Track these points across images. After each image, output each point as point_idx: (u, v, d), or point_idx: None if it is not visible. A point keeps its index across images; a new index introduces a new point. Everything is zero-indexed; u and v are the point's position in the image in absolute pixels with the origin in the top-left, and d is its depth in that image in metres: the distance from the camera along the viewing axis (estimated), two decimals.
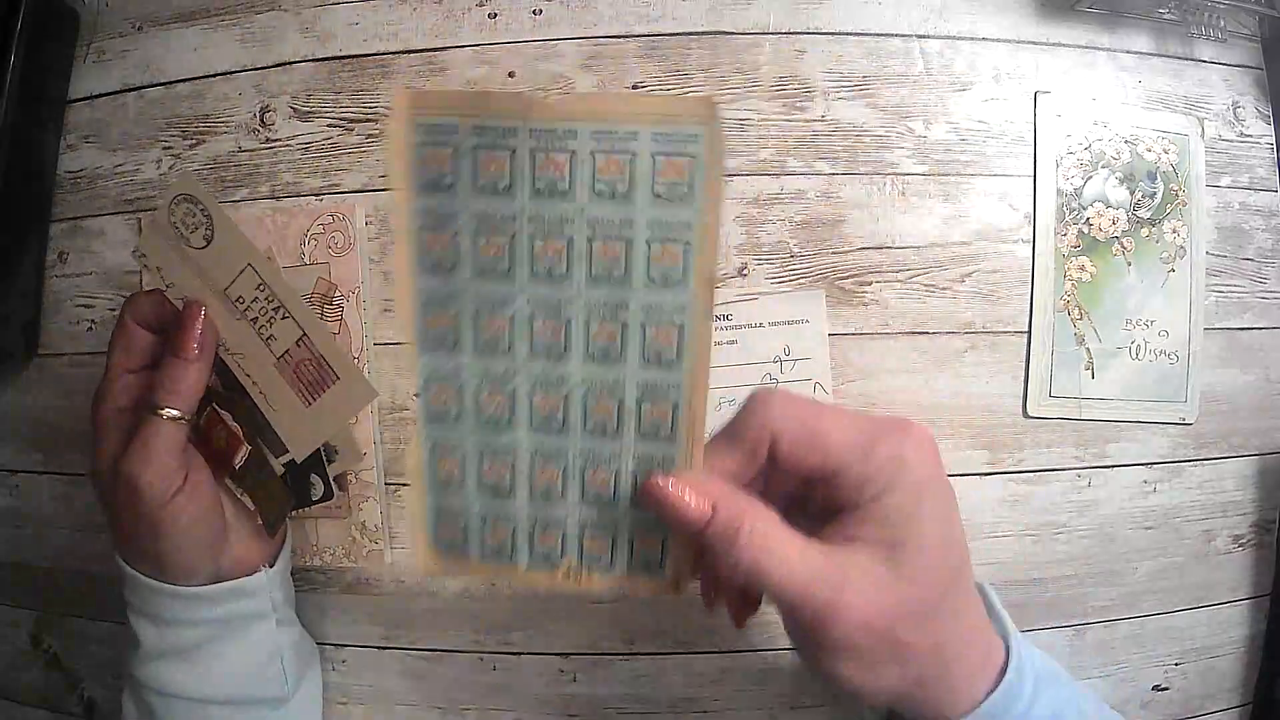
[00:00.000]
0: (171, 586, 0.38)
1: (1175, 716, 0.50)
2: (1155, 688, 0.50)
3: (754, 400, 0.31)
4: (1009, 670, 0.30)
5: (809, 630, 0.29)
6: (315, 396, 0.38)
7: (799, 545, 0.29)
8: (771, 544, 0.29)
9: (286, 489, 0.41)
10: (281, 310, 0.37)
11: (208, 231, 0.37)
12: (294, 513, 0.45)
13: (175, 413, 0.35)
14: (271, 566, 0.41)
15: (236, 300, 0.37)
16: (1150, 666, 0.50)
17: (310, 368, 0.37)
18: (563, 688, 0.49)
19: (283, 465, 0.40)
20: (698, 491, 0.30)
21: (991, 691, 0.29)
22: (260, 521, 0.41)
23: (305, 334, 0.37)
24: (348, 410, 0.40)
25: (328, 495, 0.44)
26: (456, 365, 0.31)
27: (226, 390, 0.39)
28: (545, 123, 0.28)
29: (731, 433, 0.31)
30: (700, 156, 0.28)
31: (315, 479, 0.44)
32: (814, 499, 0.31)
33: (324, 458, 0.44)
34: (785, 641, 0.48)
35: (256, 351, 0.38)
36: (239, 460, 0.40)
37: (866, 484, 0.29)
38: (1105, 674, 0.49)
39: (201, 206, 0.36)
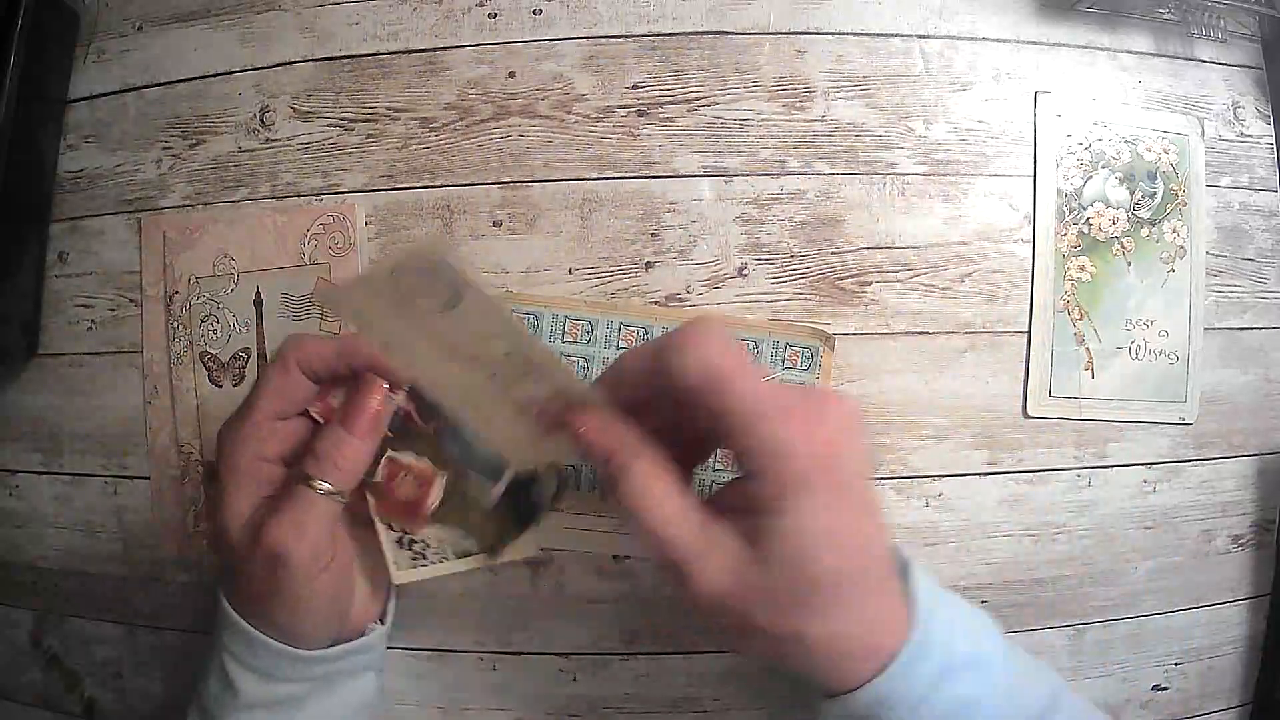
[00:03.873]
0: (294, 650, 0.36)
1: (1175, 716, 0.50)
2: (1155, 688, 0.50)
3: (690, 329, 0.30)
4: (898, 659, 0.29)
5: (674, 586, 0.30)
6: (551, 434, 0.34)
7: (679, 503, 0.30)
8: (651, 502, 0.30)
9: (505, 506, 0.38)
10: (534, 373, 0.33)
11: (452, 298, 0.32)
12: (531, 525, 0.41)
13: (330, 488, 0.33)
14: (383, 622, 0.40)
15: (471, 358, 0.33)
16: (1150, 666, 0.50)
17: (557, 414, 0.33)
18: (563, 688, 0.49)
19: (505, 485, 0.37)
20: (604, 429, 0.31)
21: (876, 676, 0.29)
22: (479, 550, 0.38)
23: (561, 391, 0.33)
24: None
25: (562, 488, 0.41)
26: None
27: (395, 431, 0.36)
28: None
29: (651, 351, 0.31)
30: None
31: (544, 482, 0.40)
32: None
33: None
34: None
35: (488, 400, 0.33)
36: (433, 500, 0.37)
37: (746, 458, 0.29)
38: (1105, 674, 0.49)
39: (450, 274, 0.32)
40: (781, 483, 0.28)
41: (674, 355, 0.29)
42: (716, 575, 0.29)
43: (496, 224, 0.48)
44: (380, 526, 0.37)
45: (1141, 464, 0.49)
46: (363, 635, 0.39)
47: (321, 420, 0.35)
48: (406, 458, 0.36)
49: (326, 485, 0.33)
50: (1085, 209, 0.49)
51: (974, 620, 0.33)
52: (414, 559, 0.38)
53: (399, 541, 0.38)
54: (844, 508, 0.29)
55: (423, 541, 0.38)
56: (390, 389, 0.35)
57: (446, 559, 0.38)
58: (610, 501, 0.33)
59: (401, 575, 0.38)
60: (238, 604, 0.36)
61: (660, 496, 0.30)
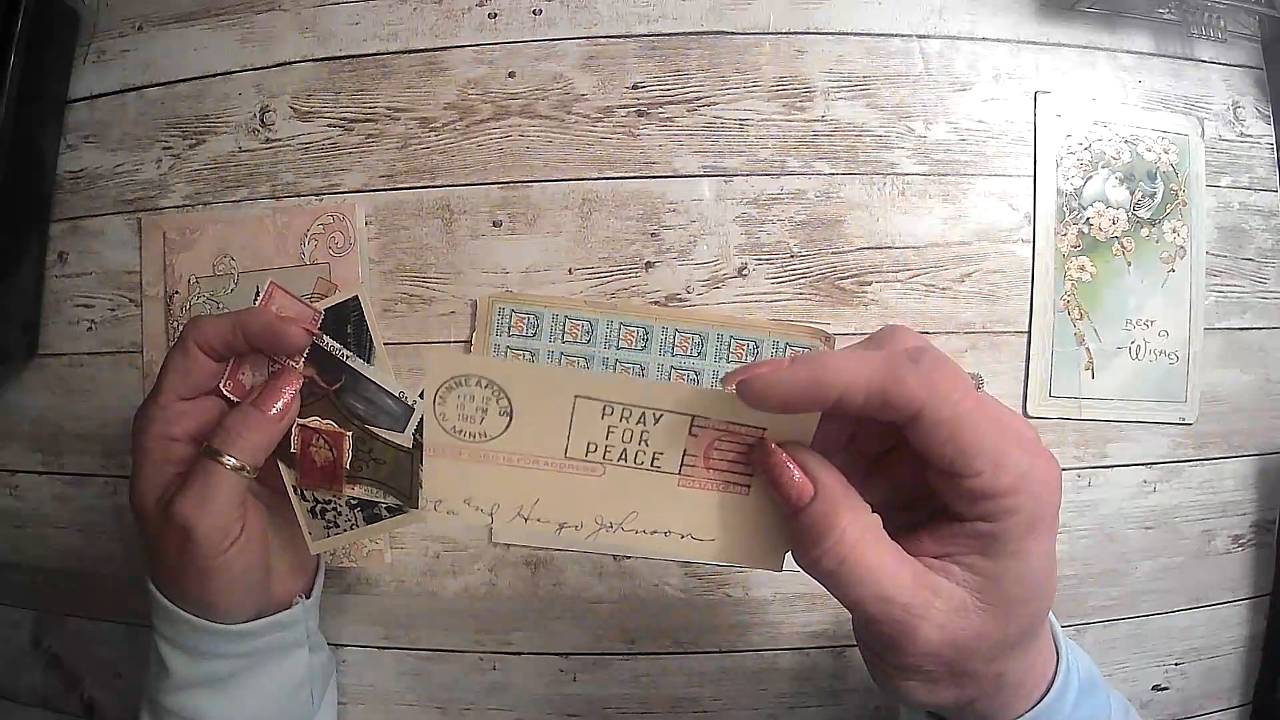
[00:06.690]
0: (213, 625, 0.36)
1: (1175, 716, 0.50)
2: (1155, 688, 0.50)
3: (922, 360, 0.25)
4: (1054, 685, 0.29)
5: (879, 647, 0.27)
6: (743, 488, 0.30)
7: (891, 559, 0.26)
8: (862, 555, 0.26)
9: (410, 448, 0.37)
10: (653, 414, 0.28)
11: (503, 407, 0.28)
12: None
13: (238, 463, 0.34)
14: (308, 597, 0.41)
15: (588, 449, 0.28)
16: (1150, 666, 0.50)
17: (735, 451, 0.29)
18: (563, 688, 0.49)
19: (415, 425, 0.37)
20: (804, 466, 0.27)
21: (1035, 705, 0.29)
22: (398, 500, 0.38)
23: (696, 418, 0.28)
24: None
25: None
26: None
27: (304, 396, 0.36)
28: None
29: (878, 383, 0.25)
30: None
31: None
32: (914, 483, 0.28)
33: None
34: (785, 641, 0.48)
35: (647, 476, 0.29)
36: (346, 460, 0.37)
37: (984, 502, 0.25)
38: (1105, 674, 0.49)
39: (489, 384, 0.27)
40: (1023, 525, 0.25)
41: (908, 390, 0.25)
42: (936, 630, 0.26)
43: (496, 224, 0.48)
44: (295, 498, 0.38)
45: (1141, 464, 0.49)
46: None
47: (235, 399, 0.36)
48: (314, 422, 0.37)
49: (232, 460, 0.34)
50: (1085, 209, 0.49)
51: (1072, 640, 0.33)
52: (327, 527, 0.39)
53: (313, 511, 0.38)
54: (1053, 548, 0.27)
55: (334, 510, 0.38)
56: (292, 360, 0.35)
57: (356, 525, 0.39)
58: (804, 554, 0.27)
59: (317, 545, 0.38)
60: (159, 582, 0.36)
61: (875, 547, 0.26)
